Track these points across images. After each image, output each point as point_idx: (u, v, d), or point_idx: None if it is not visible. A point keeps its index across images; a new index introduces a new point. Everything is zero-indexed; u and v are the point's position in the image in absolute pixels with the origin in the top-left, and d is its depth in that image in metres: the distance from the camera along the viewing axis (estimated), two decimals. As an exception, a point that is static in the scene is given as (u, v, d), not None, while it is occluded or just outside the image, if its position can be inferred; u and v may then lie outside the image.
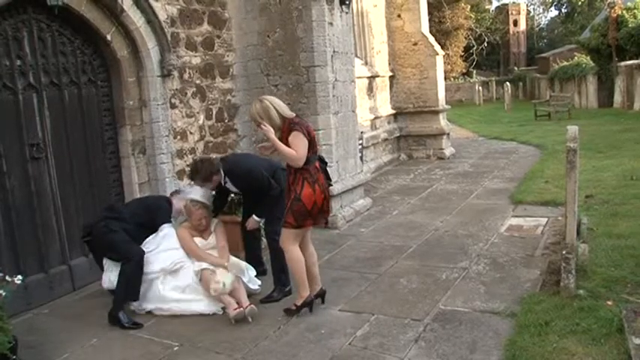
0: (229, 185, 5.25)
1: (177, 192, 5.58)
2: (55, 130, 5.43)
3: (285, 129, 4.49)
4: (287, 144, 4.44)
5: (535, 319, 4.15)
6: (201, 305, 4.87)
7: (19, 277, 3.99)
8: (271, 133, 4.43)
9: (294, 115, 4.61)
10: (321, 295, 4.80)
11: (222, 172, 5.13)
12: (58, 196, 5.46)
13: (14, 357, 4.01)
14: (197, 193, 5.20)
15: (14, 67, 5.07)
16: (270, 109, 4.45)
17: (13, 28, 5.08)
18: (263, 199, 5.06)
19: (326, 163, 4.82)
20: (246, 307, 4.63)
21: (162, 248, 5.03)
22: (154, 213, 5.21)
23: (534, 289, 4.84)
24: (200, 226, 5.13)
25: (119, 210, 5.24)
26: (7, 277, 3.95)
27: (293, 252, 4.61)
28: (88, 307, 5.20)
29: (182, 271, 4.97)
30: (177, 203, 5.31)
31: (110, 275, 4.97)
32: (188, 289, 4.93)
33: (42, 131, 5.32)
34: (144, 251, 4.91)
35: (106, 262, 5.04)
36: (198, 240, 5.11)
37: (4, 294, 3.85)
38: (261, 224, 5.35)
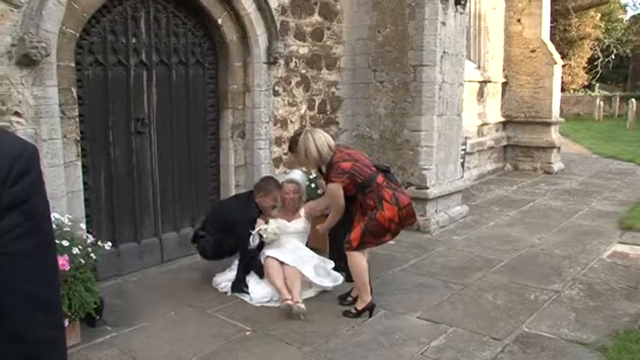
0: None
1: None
2: (160, 107, 5.62)
3: (327, 171, 4.60)
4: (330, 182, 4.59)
5: (629, 359, 3.81)
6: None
7: (109, 243, 4.17)
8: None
9: (336, 149, 4.61)
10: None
11: None
12: (157, 171, 5.66)
13: (99, 317, 4.22)
14: (294, 174, 5.45)
15: (129, 45, 5.29)
16: (309, 142, 4.55)
17: (133, 7, 5.30)
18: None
19: (388, 169, 4.81)
20: (295, 303, 4.53)
21: None
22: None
23: (633, 325, 4.44)
24: (288, 200, 5.16)
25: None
26: (100, 243, 4.14)
27: (355, 256, 4.62)
28: (173, 280, 5.38)
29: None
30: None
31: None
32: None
33: (148, 107, 5.53)
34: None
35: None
36: (281, 221, 5.07)
37: (94, 257, 4.04)
38: None
